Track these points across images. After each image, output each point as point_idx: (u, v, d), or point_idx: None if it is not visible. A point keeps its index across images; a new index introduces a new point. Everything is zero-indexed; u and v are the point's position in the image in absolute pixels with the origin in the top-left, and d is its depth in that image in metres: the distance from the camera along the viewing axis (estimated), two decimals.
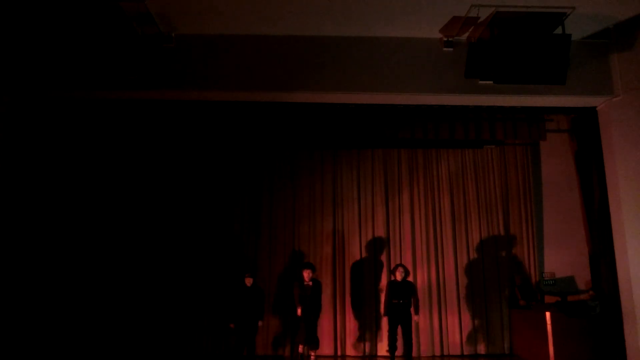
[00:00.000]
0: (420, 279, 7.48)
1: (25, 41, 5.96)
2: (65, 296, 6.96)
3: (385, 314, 6.57)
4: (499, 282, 7.46)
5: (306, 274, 6.64)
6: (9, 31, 5.89)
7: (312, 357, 6.70)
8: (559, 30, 5.76)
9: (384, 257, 7.59)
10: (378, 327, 7.30)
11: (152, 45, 5.94)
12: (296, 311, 6.58)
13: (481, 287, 7.46)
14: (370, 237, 7.67)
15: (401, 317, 6.44)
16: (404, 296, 6.48)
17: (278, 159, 7.86)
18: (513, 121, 7.27)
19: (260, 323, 6.59)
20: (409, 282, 6.70)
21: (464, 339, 7.30)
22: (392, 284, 6.62)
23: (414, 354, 6.81)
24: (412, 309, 6.52)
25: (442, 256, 7.59)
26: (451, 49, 6.23)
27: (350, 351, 7.28)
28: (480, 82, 6.10)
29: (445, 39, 6.22)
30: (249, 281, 6.63)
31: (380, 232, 7.68)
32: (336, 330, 7.31)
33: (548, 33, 5.81)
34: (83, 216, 7.30)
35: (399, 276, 6.56)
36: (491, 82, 5.94)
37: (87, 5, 5.30)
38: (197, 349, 7.18)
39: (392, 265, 7.38)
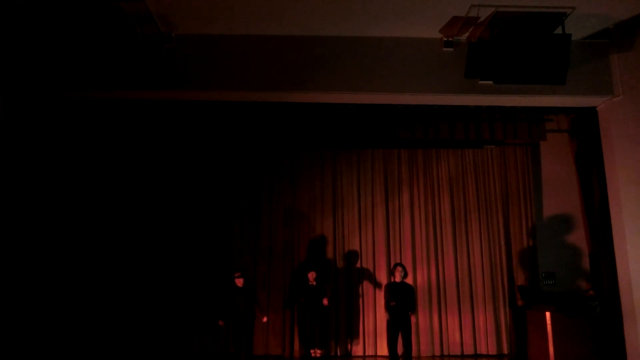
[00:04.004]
0: (420, 279, 7.49)
1: (25, 41, 5.96)
2: (64, 295, 6.96)
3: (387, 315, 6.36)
4: (500, 282, 7.45)
5: (311, 276, 6.86)
6: (9, 31, 5.89)
7: (318, 354, 6.85)
8: (559, 30, 5.76)
9: (383, 257, 7.59)
10: (378, 327, 7.30)
11: (152, 45, 5.94)
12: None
13: (481, 287, 7.46)
14: (370, 237, 7.67)
15: (401, 321, 6.25)
16: (402, 298, 6.29)
17: (278, 159, 7.85)
18: (513, 121, 7.28)
19: (264, 319, 6.63)
20: (407, 284, 6.52)
21: (464, 339, 7.30)
22: (390, 285, 6.45)
23: (414, 353, 6.80)
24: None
25: (442, 256, 7.59)
26: (451, 49, 6.22)
27: (350, 351, 7.28)
28: (480, 82, 6.10)
29: (445, 39, 6.22)
30: (239, 282, 6.51)
31: (380, 232, 7.68)
32: (337, 330, 7.31)
33: (548, 33, 5.81)
34: (82, 216, 7.29)
35: (397, 277, 6.41)
36: (491, 82, 5.94)
37: (87, 5, 5.30)
38: (195, 349, 7.19)
39: (392, 265, 7.38)
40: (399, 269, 6.48)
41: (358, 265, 7.57)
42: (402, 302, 6.27)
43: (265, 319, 6.65)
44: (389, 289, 6.40)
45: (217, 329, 7.02)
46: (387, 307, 6.37)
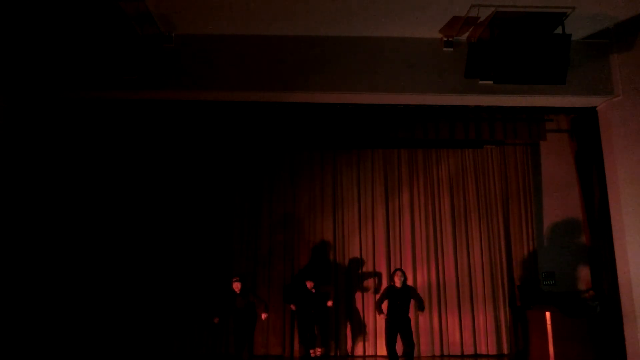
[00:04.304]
0: (420, 279, 7.48)
1: (25, 41, 5.96)
2: (65, 296, 6.95)
3: (379, 313, 6.36)
4: (500, 282, 7.45)
5: (309, 284, 6.86)
6: (8, 31, 5.89)
7: (318, 353, 6.88)
8: (559, 30, 5.76)
9: (383, 257, 7.59)
10: (378, 327, 7.29)
11: (152, 45, 5.93)
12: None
13: (481, 287, 7.46)
14: (370, 237, 7.66)
15: (399, 323, 6.25)
16: (402, 302, 6.29)
17: (278, 160, 7.85)
18: (513, 121, 7.28)
19: (264, 316, 6.54)
20: (409, 286, 6.50)
21: (464, 339, 7.30)
22: (390, 289, 6.41)
23: (414, 353, 6.80)
24: (410, 315, 6.37)
25: (442, 256, 7.59)
26: (451, 49, 6.23)
27: (350, 351, 7.28)
28: (480, 82, 6.10)
29: (445, 39, 6.22)
30: (237, 286, 6.46)
31: (380, 232, 7.67)
32: (337, 330, 7.31)
33: (548, 33, 5.81)
34: (82, 217, 7.29)
35: (397, 282, 6.36)
36: (491, 82, 5.94)
37: (87, 5, 5.30)
38: (196, 350, 7.20)
39: (392, 265, 7.39)
40: (399, 273, 6.44)
41: (358, 265, 7.57)
42: (401, 308, 6.29)
43: (264, 316, 6.55)
44: (388, 292, 6.40)
45: (217, 329, 7.03)
46: (378, 307, 6.38)
